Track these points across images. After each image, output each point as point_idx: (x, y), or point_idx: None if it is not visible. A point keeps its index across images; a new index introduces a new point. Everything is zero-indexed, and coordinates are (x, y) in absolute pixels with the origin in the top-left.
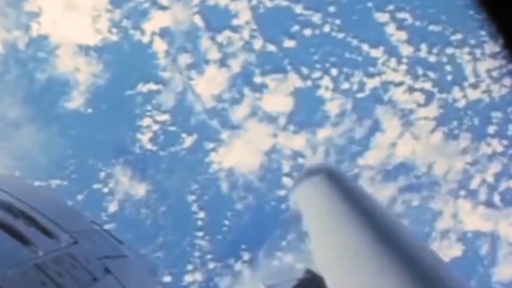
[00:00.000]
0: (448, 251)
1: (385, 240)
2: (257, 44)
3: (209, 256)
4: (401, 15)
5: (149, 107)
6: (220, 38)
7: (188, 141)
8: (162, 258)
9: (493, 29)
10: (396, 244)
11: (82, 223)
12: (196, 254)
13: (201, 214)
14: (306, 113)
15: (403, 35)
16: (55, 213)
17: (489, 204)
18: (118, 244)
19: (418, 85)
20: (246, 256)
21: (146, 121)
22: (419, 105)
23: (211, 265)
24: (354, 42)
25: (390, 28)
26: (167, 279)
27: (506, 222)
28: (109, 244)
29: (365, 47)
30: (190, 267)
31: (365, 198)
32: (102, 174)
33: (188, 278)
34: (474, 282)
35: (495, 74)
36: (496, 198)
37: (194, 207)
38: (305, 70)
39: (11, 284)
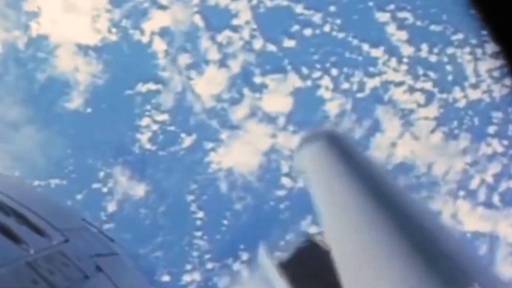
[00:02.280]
0: None
1: (392, 207)
2: (257, 44)
3: (207, 256)
4: (402, 14)
5: (149, 107)
6: (220, 38)
7: (188, 141)
8: (161, 258)
9: (490, 29)
10: (402, 210)
11: (74, 221)
12: (195, 254)
13: (200, 214)
14: (305, 113)
15: (403, 34)
16: (46, 211)
17: (488, 204)
18: (109, 242)
19: (418, 85)
20: (244, 256)
21: (145, 121)
22: (420, 105)
23: (210, 265)
24: (355, 42)
25: (391, 28)
26: (166, 278)
27: (505, 222)
28: (101, 242)
29: (365, 47)
30: (188, 267)
31: (370, 164)
32: (101, 174)
33: (186, 278)
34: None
35: (496, 74)
36: (496, 199)
37: (193, 207)
38: (305, 70)
39: (2, 282)
